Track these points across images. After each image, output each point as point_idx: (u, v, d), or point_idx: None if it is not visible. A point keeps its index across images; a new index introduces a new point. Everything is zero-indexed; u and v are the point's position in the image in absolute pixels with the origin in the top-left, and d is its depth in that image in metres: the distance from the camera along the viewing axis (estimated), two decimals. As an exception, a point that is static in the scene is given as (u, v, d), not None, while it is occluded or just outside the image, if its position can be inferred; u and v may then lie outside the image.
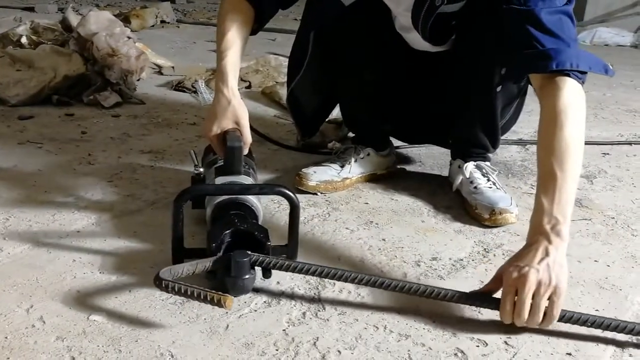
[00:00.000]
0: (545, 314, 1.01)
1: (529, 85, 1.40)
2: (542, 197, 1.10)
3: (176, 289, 0.99)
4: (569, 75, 1.19)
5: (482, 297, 1.07)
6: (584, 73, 1.21)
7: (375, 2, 1.49)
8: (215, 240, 1.11)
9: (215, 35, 1.47)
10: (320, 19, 1.54)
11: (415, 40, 1.53)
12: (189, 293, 0.99)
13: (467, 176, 1.54)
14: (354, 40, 1.54)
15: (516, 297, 1.01)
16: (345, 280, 1.07)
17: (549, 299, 1.01)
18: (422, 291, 1.06)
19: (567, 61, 1.19)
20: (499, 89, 1.48)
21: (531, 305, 1.00)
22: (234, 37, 1.38)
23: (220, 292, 0.99)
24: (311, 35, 1.56)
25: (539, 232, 1.07)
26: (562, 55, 1.19)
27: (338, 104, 1.80)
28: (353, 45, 1.55)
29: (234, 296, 1.05)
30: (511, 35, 1.27)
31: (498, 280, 1.06)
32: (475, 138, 1.58)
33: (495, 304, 1.04)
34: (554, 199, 1.08)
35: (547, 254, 1.04)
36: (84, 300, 1.07)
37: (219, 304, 0.98)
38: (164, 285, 1.00)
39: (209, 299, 0.98)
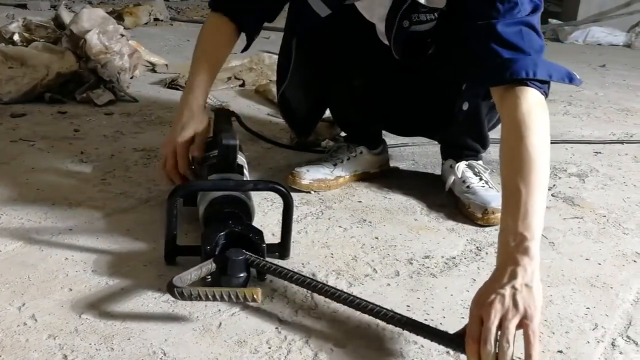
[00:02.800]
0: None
1: None
2: (506, 215, 1.01)
3: (197, 295, 0.98)
4: (527, 85, 1.12)
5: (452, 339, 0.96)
6: (545, 83, 1.15)
7: (353, 12, 1.48)
8: (210, 243, 1.10)
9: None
10: (300, 27, 1.53)
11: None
12: (216, 296, 0.99)
13: (459, 176, 1.54)
14: (340, 47, 1.54)
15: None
16: (338, 301, 1.03)
17: (522, 326, 0.90)
18: (404, 323, 0.97)
19: (523, 70, 1.12)
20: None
21: (500, 333, 0.89)
22: (209, 58, 1.45)
23: (245, 288, 1.00)
24: (293, 42, 1.56)
25: (505, 254, 0.97)
26: (517, 64, 1.13)
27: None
28: (340, 52, 1.54)
29: None
30: (472, 50, 1.24)
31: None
32: (464, 142, 1.60)
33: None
34: (519, 215, 0.98)
35: (514, 276, 0.93)
36: (76, 298, 1.07)
37: (253, 299, 0.99)
38: (184, 294, 0.99)
39: (240, 297, 0.99)
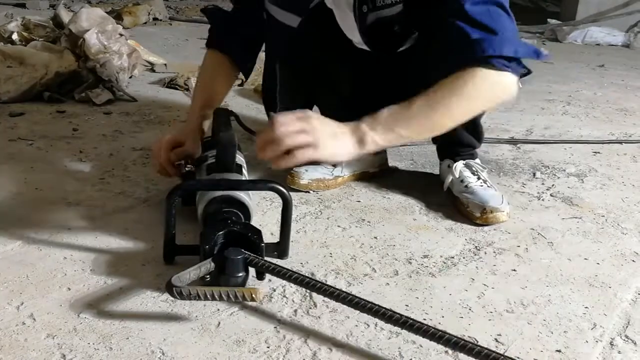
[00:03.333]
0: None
1: None
2: (390, 111, 1.14)
3: (196, 294, 0.98)
4: (491, 64, 1.15)
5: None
6: (513, 60, 1.17)
7: (322, 16, 1.47)
8: (209, 242, 1.10)
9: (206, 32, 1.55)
10: (278, 48, 1.54)
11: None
12: (215, 296, 0.99)
13: (457, 176, 1.54)
14: (319, 58, 1.53)
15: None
16: (337, 300, 1.02)
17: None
18: (403, 322, 0.97)
19: (490, 48, 1.15)
20: None
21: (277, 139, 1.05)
22: (212, 84, 1.50)
23: (244, 287, 1.00)
24: (276, 66, 1.57)
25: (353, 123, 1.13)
26: (484, 43, 1.15)
27: None
28: (320, 63, 1.54)
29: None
30: (440, 32, 1.23)
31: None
32: (459, 137, 1.59)
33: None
34: (395, 114, 1.14)
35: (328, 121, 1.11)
36: (75, 297, 1.07)
37: (252, 298, 0.99)
38: (183, 294, 0.98)
39: (239, 296, 0.99)
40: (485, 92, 1.18)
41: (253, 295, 1.00)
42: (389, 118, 1.14)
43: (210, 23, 1.56)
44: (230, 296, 0.99)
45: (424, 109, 1.15)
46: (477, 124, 1.58)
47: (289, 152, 1.07)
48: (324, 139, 1.08)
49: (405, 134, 1.15)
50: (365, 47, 1.49)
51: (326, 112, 1.69)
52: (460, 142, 1.60)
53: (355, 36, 1.47)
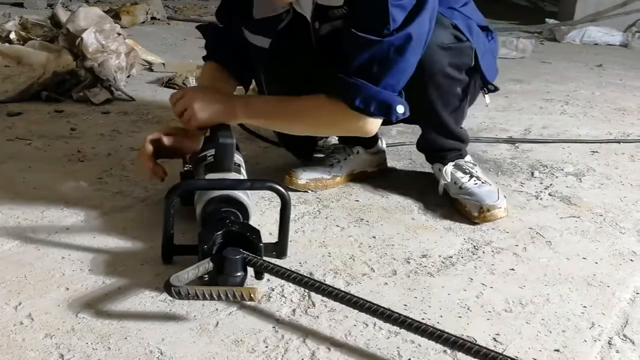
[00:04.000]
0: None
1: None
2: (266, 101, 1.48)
3: (195, 294, 0.98)
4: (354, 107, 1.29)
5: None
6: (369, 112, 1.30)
7: (289, 38, 1.47)
8: (207, 242, 1.10)
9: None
10: (256, 70, 1.57)
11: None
12: (213, 295, 0.99)
13: (449, 179, 1.53)
14: (295, 74, 1.51)
15: None
16: (335, 299, 1.03)
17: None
18: (401, 321, 0.97)
19: (354, 98, 1.28)
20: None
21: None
22: (213, 84, 1.53)
23: (242, 287, 1.01)
24: (264, 90, 1.61)
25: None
26: (352, 91, 1.28)
27: None
28: (297, 78, 1.51)
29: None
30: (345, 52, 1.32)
31: None
32: (440, 144, 1.58)
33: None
34: (265, 106, 1.42)
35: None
36: (73, 297, 1.07)
37: (250, 298, 0.99)
38: (181, 293, 0.98)
39: (237, 296, 0.99)
40: (334, 123, 1.39)
41: (251, 295, 1.00)
42: (260, 107, 1.41)
43: (205, 39, 1.59)
44: (229, 296, 0.99)
45: (283, 112, 1.40)
46: (450, 127, 1.55)
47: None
48: (197, 106, 1.33)
49: (265, 124, 1.48)
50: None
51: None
52: (442, 147, 1.59)
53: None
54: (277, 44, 1.48)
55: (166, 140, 1.35)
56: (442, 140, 1.58)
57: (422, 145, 1.65)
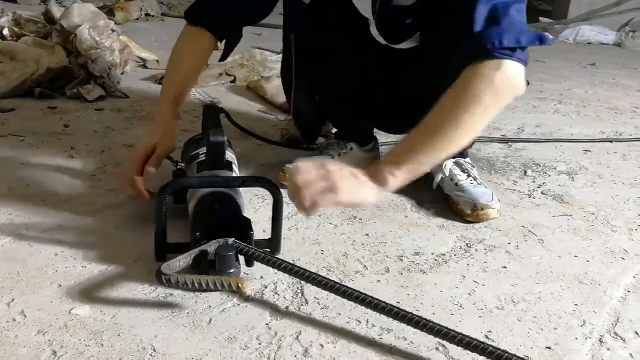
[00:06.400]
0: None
1: None
2: (407, 139, 1.13)
3: (184, 282, 0.99)
4: (495, 57, 1.11)
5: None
6: (515, 50, 1.12)
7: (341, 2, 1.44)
8: (199, 230, 1.11)
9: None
10: (292, 23, 1.52)
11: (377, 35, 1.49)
12: (202, 284, 1.00)
13: (448, 174, 1.54)
14: (328, 42, 1.51)
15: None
16: (325, 288, 1.05)
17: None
18: (394, 313, 0.99)
19: (489, 42, 1.11)
20: None
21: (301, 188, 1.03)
22: (184, 70, 1.44)
23: (232, 278, 1.02)
24: (292, 41, 1.56)
25: (372, 165, 1.11)
26: (484, 37, 1.12)
27: None
28: (328, 47, 1.52)
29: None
30: (447, 27, 1.21)
31: None
32: None
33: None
34: (405, 151, 1.12)
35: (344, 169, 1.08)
36: (66, 294, 1.07)
37: (238, 287, 1.00)
38: (171, 282, 0.99)
39: (226, 285, 1.00)
40: (493, 93, 1.12)
41: (239, 285, 1.00)
42: (408, 150, 1.12)
43: None
44: (217, 285, 1.00)
45: (438, 129, 1.12)
46: None
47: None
48: (341, 183, 1.05)
49: (430, 158, 1.12)
50: (375, 33, 1.47)
51: (323, 101, 1.69)
52: None
53: (369, 15, 1.44)
54: (324, 13, 1.42)
55: (155, 155, 1.34)
56: None
57: None
